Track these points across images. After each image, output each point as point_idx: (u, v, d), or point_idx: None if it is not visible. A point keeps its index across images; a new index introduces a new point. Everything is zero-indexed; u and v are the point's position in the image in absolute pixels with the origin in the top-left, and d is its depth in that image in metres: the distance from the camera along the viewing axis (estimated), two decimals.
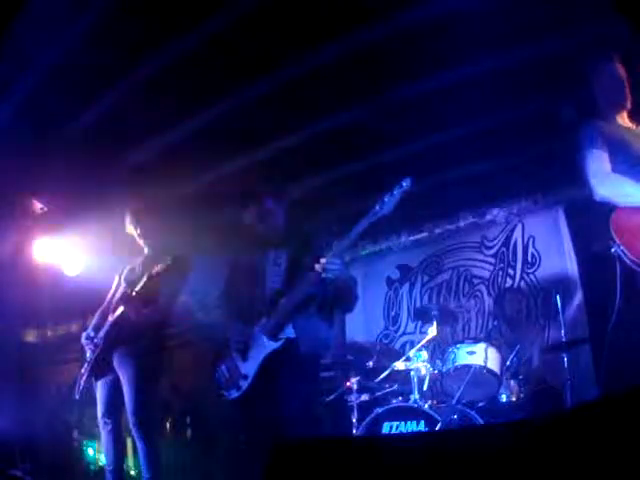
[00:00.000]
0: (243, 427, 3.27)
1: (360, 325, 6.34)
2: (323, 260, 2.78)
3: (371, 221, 2.82)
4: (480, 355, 4.11)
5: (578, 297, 5.05)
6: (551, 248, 5.40)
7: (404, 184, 2.81)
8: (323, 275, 2.79)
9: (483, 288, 5.79)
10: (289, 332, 2.89)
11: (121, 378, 3.60)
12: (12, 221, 5.21)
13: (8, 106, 4.10)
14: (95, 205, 4.97)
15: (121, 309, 3.63)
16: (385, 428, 3.97)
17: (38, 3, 3.08)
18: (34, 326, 6.56)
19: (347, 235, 2.84)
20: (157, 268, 3.50)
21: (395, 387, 4.53)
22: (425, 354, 4.37)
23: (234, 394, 2.96)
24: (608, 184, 2.65)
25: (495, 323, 5.26)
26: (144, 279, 3.56)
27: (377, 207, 2.81)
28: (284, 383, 2.84)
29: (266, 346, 2.89)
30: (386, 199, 2.80)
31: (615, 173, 2.69)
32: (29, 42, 3.43)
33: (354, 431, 4.29)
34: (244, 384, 2.92)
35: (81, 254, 5.50)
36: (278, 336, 2.89)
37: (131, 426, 3.54)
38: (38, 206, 5.28)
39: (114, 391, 3.64)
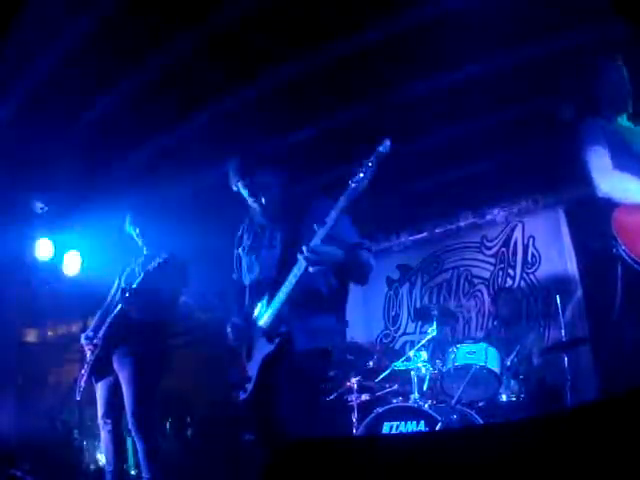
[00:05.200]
0: (249, 428, 3.19)
1: (360, 325, 6.33)
2: (304, 249, 2.47)
3: (351, 198, 2.46)
4: (480, 355, 4.10)
5: (578, 297, 5.05)
6: (551, 248, 5.40)
7: (381, 149, 2.43)
8: (310, 270, 2.50)
9: (483, 288, 5.79)
10: (283, 329, 2.67)
11: (121, 378, 3.60)
12: (12, 221, 5.21)
13: (8, 106, 4.10)
14: (95, 205, 4.98)
15: (119, 308, 3.64)
16: (385, 428, 3.97)
17: (38, 3, 3.08)
18: (34, 326, 6.57)
19: (327, 218, 2.49)
20: (153, 264, 3.50)
21: (395, 387, 4.52)
22: (425, 354, 4.36)
23: (242, 396, 2.81)
24: (611, 180, 2.64)
25: (495, 323, 5.26)
26: (141, 277, 3.57)
27: (353, 184, 2.44)
28: (281, 384, 2.72)
29: (264, 347, 2.73)
30: (363, 170, 2.43)
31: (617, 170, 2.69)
32: (29, 42, 3.43)
33: (354, 431, 4.29)
34: (249, 386, 2.78)
35: (81, 254, 5.51)
36: (275, 334, 2.69)
37: (131, 426, 3.54)
38: (38, 206, 5.28)
39: (114, 391, 3.64)
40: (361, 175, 2.43)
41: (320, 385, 3.11)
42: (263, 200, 2.81)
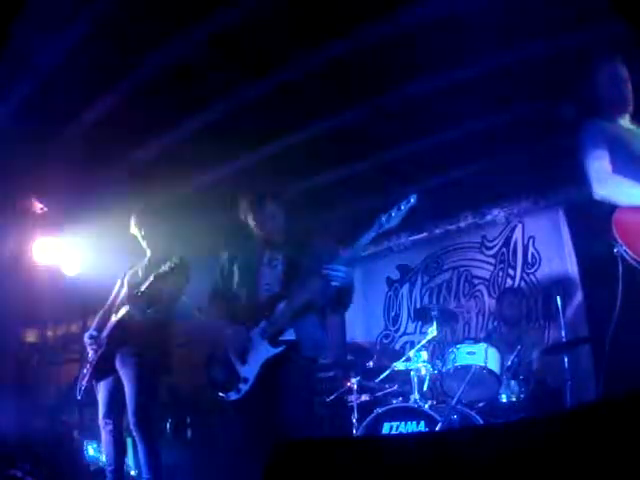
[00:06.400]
0: (243, 429, 3.27)
1: (360, 325, 6.34)
2: (328, 267, 2.83)
3: (377, 233, 2.87)
4: (480, 355, 4.10)
5: (578, 297, 5.05)
6: (551, 248, 5.40)
7: (412, 199, 2.85)
8: (332, 284, 2.85)
9: (483, 288, 5.79)
10: (289, 335, 2.91)
11: (122, 378, 3.60)
12: (12, 221, 5.21)
13: (8, 106, 4.10)
14: (95, 205, 4.97)
15: (125, 309, 3.64)
16: (385, 428, 3.97)
17: (38, 3, 3.08)
18: (34, 326, 6.56)
19: (352, 247, 2.90)
20: (164, 267, 3.50)
21: (395, 387, 4.53)
22: (425, 354, 4.36)
23: (233, 397, 2.97)
24: (608, 184, 2.64)
25: (495, 323, 5.26)
26: (150, 279, 3.57)
27: (383, 220, 2.86)
28: (285, 386, 2.85)
29: (267, 351, 2.91)
30: (393, 213, 2.84)
31: (616, 173, 2.68)
32: (29, 42, 3.43)
33: (354, 431, 4.29)
34: (244, 387, 2.93)
35: (81, 254, 5.51)
36: (278, 340, 2.90)
37: (131, 426, 3.54)
38: (38, 206, 5.28)
39: (115, 391, 3.64)
40: (392, 215, 2.85)
41: (317, 387, 3.48)
42: (268, 228, 3.18)
